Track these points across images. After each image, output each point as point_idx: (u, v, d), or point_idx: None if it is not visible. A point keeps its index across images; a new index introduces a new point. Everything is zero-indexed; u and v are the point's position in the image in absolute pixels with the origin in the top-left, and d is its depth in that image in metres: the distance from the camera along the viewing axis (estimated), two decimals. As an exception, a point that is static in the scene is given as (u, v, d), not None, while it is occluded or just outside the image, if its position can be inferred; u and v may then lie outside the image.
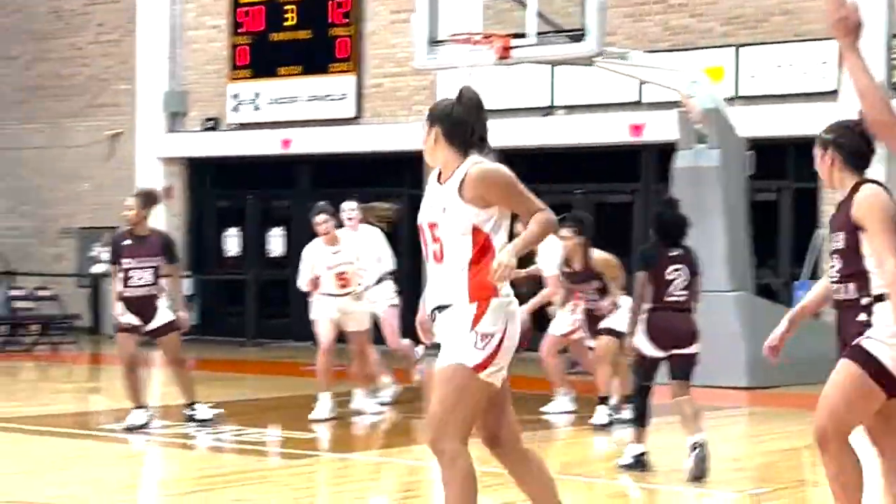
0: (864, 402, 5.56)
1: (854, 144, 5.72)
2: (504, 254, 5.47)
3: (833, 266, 5.73)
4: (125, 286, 10.80)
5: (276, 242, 22.21)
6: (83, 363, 18.32)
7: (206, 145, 22.52)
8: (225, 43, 22.39)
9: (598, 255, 11.29)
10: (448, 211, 5.62)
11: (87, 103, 23.78)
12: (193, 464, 9.76)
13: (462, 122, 5.70)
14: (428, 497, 8.44)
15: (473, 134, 5.71)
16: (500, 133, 19.51)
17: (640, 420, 8.98)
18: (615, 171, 19.54)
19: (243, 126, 22.17)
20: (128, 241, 10.91)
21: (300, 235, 22.08)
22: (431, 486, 8.80)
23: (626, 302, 10.67)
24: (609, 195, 19.70)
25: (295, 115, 21.62)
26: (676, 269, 9.01)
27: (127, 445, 10.39)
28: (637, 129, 18.54)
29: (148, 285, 10.80)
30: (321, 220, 11.82)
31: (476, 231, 5.55)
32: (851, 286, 5.63)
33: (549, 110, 19.44)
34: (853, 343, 5.57)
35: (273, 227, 22.31)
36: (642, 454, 8.97)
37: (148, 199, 11.10)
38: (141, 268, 10.79)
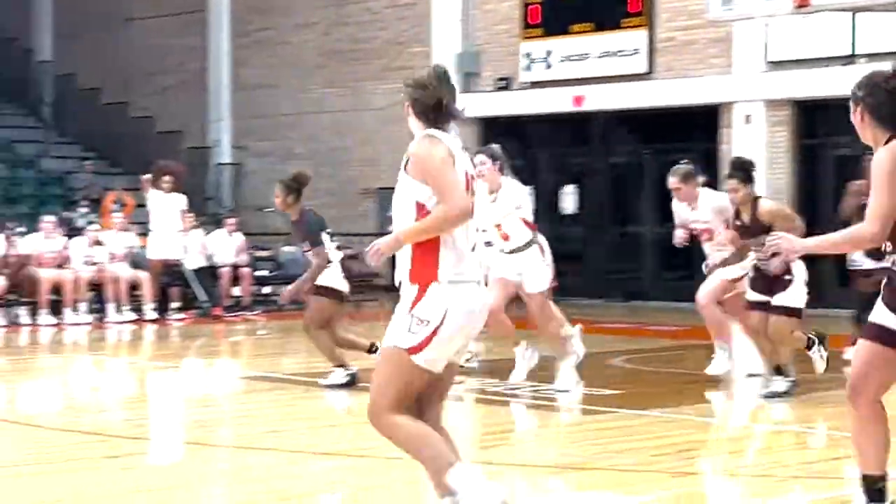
0: None
1: (882, 99, 5.53)
2: (385, 238, 5.39)
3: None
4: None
5: (568, 200, 22.25)
6: (384, 320, 18.77)
7: (498, 104, 22.70)
8: (517, 2, 22.49)
9: (766, 205, 10.30)
10: (398, 185, 5.50)
11: (384, 66, 24.30)
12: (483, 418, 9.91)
13: (422, 93, 5.62)
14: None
15: (437, 107, 5.58)
16: (800, 84, 19.18)
17: None
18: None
19: (535, 84, 22.26)
20: None
21: (592, 193, 22.14)
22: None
23: (801, 271, 9.99)
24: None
25: (587, 72, 21.55)
26: None
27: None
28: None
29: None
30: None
31: (420, 208, 5.41)
32: None
33: (850, 59, 18.78)
34: None
35: (565, 185, 22.36)
36: None
37: (292, 185, 11.22)
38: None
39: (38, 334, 16.53)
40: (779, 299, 10.06)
